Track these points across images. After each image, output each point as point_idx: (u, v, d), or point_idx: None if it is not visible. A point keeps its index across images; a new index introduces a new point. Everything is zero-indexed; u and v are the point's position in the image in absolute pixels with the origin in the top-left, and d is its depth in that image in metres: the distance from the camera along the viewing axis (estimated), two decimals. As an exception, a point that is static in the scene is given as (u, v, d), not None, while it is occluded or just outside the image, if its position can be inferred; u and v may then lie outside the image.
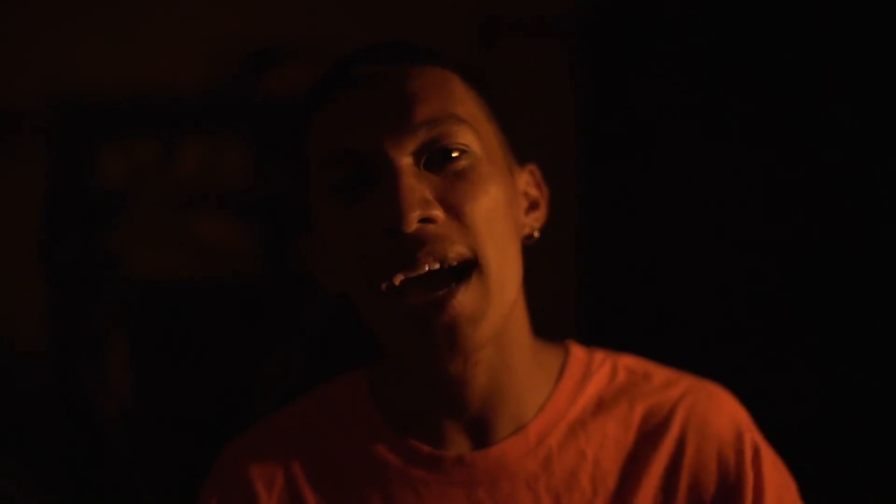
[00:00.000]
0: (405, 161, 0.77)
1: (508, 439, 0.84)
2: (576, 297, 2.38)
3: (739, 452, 0.85)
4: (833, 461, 1.62)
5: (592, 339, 0.98)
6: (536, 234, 0.88)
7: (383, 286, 0.77)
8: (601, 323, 2.22)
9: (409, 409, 0.87)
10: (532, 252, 0.89)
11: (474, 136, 0.80)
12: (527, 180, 0.90)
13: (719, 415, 0.87)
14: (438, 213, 0.76)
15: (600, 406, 0.87)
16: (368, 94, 0.80)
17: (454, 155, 0.79)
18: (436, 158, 0.79)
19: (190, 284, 2.33)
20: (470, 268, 0.77)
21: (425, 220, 0.76)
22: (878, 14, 1.68)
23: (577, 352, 0.92)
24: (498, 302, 0.78)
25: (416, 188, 0.75)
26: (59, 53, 2.33)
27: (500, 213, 0.79)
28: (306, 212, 0.85)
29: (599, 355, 0.92)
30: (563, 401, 0.87)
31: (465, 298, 0.75)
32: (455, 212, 0.77)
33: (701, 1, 2.03)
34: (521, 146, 0.97)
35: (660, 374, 0.90)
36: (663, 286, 2.08)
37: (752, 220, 1.91)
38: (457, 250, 0.76)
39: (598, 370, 0.90)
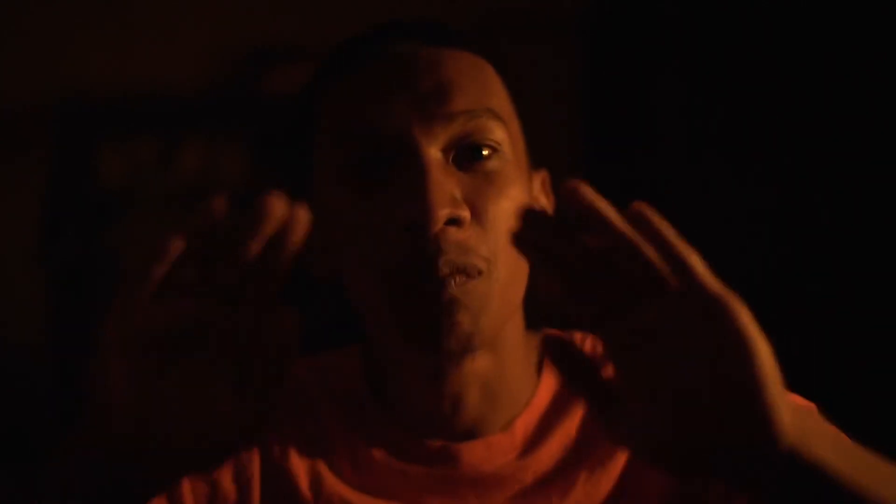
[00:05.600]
0: (435, 152, 0.71)
1: (495, 436, 0.80)
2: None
3: None
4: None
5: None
6: None
7: (397, 284, 0.72)
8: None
9: (399, 401, 0.82)
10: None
11: (506, 134, 0.75)
12: (538, 186, 0.84)
13: None
14: (466, 213, 0.71)
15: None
16: (398, 70, 0.73)
17: (485, 153, 0.73)
18: (465, 155, 0.73)
19: (190, 284, 2.32)
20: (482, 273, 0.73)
21: (451, 220, 0.70)
22: (883, 12, 1.68)
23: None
24: (502, 301, 0.74)
25: (446, 184, 0.70)
26: (59, 54, 2.32)
27: None
28: (304, 191, 0.77)
29: (578, 337, 0.87)
30: (545, 395, 0.83)
31: (469, 289, 0.71)
32: (479, 216, 0.72)
33: (703, 1, 2.04)
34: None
35: None
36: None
37: (755, 220, 1.91)
38: (474, 262, 0.71)
39: None
